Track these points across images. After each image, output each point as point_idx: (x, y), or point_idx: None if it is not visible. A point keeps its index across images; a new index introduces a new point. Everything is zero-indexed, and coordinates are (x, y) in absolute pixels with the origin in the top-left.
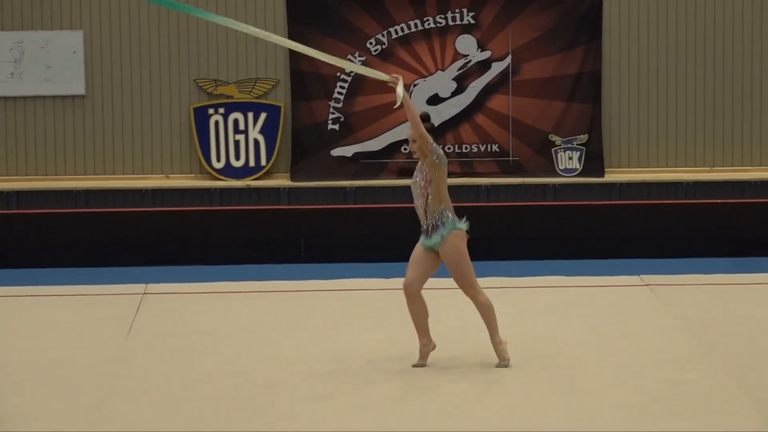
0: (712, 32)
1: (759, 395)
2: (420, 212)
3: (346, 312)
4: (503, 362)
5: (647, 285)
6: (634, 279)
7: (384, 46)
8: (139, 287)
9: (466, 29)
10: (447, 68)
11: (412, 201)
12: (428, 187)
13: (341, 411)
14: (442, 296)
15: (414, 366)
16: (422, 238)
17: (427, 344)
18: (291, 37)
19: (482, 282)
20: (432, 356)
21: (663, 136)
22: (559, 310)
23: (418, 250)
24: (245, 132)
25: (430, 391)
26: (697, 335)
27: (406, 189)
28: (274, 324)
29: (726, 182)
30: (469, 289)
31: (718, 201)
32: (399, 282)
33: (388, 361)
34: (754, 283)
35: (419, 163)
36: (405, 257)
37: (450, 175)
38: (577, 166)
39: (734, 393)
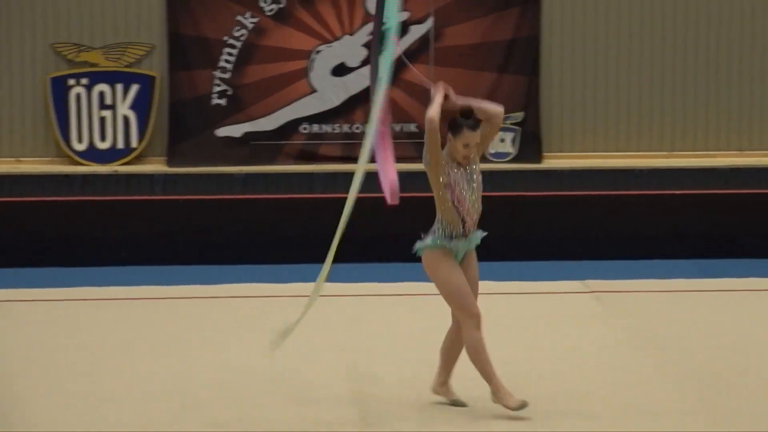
0: None
1: (730, 424)
2: (471, 218)
3: (233, 323)
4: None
5: (592, 292)
6: (576, 284)
7: (281, 6)
8: None
9: None
10: (355, 32)
11: (315, 191)
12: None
13: None
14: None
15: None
16: (456, 245)
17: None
18: None
19: (386, 288)
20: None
21: (614, 115)
22: (484, 322)
23: (454, 267)
24: (113, 107)
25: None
26: (654, 354)
27: (306, 176)
28: (148, 339)
29: (691, 170)
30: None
31: (678, 192)
32: (298, 287)
33: (283, 383)
34: (723, 290)
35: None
36: (304, 257)
37: (357, 159)
38: (511, 150)
39: (703, 422)
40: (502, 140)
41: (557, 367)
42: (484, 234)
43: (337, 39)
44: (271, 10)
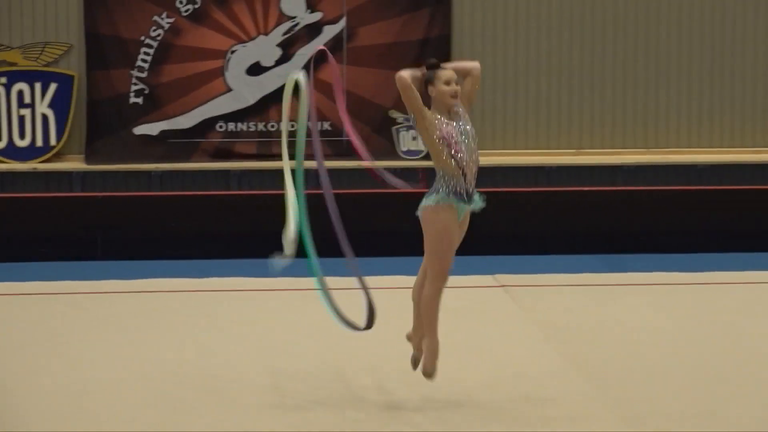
0: None
1: (625, 415)
2: (470, 170)
3: (151, 318)
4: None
5: (502, 286)
6: (486, 279)
7: (196, 6)
8: None
9: None
10: (270, 32)
11: (230, 188)
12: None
13: None
14: None
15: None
16: (459, 204)
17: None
18: None
19: (295, 282)
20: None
21: (523, 113)
22: (394, 315)
23: (455, 225)
24: (31, 106)
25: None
26: (559, 345)
27: (221, 173)
28: (66, 332)
29: (598, 167)
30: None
31: (586, 188)
32: (216, 282)
33: (202, 377)
34: (626, 284)
35: (455, 108)
36: (220, 252)
37: (272, 157)
38: (422, 148)
39: (600, 412)
40: (414, 138)
41: (468, 361)
42: (483, 205)
43: (252, 39)
44: (187, 11)
